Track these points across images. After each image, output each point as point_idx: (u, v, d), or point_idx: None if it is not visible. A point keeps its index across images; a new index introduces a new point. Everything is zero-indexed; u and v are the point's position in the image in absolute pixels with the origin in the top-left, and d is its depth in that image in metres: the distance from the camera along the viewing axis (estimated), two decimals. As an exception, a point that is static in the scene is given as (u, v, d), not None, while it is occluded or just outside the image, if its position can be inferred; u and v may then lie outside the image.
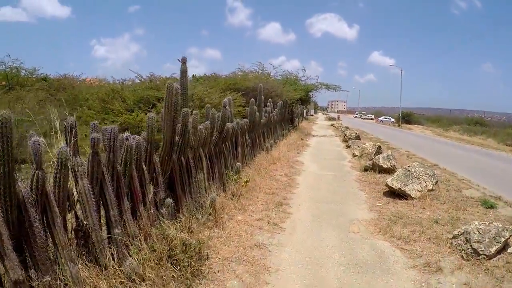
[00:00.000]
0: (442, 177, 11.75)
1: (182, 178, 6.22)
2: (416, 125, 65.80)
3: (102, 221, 4.16)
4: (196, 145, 6.76)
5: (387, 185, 9.36)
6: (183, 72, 7.32)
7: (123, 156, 4.48)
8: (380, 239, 6.33)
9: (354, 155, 15.76)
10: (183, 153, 6.14)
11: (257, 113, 12.46)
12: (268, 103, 15.27)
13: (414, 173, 9.48)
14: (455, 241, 5.94)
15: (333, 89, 27.13)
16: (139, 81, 14.35)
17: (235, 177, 8.15)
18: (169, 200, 5.40)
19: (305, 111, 49.32)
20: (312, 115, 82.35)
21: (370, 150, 15.18)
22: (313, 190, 9.79)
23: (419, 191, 9.10)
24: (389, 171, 12.05)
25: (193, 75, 21.91)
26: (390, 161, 12.29)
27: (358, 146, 18.44)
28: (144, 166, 5.00)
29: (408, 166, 9.84)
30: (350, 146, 18.99)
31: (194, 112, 6.66)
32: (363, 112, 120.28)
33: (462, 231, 6.01)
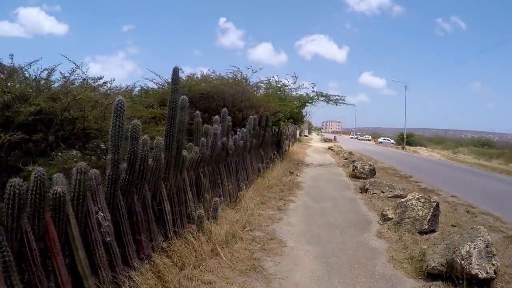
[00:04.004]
0: None
1: None
2: (419, 147, 58.65)
3: None
4: None
5: None
6: None
7: None
8: None
9: (384, 217, 7.98)
10: None
11: (160, 141, 4.75)
12: (216, 119, 7.32)
13: None
14: None
15: (334, 102, 19.00)
16: None
17: None
18: None
19: (298, 131, 41.57)
20: (306, 136, 74.96)
21: (421, 213, 7.46)
22: None
23: None
24: (488, 284, 4.59)
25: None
26: (493, 261, 4.75)
27: (383, 192, 10.73)
28: None
29: None
30: (368, 189, 11.17)
31: None
32: (358, 133, 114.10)
33: None
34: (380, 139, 73.26)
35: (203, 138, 6.29)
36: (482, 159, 40.46)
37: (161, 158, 4.85)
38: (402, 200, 8.08)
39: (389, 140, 71.35)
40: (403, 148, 51.99)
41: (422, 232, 7.26)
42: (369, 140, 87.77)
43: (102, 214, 3.92)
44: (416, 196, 8.04)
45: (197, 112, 6.75)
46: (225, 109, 7.79)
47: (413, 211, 7.56)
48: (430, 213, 7.43)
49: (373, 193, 10.85)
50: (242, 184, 9.08)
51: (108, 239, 3.92)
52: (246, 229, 6.69)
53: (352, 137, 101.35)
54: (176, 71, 5.19)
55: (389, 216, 7.86)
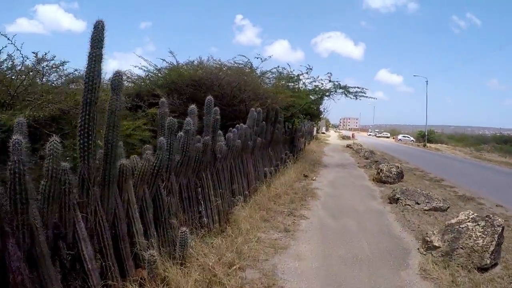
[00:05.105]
0: None
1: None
2: (439, 144, 55.65)
3: None
4: None
5: None
6: None
7: None
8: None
9: (427, 244, 5.68)
10: None
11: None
12: (191, 109, 5.01)
13: None
14: None
15: (353, 95, 16.55)
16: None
17: None
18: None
19: (315, 128, 39.13)
20: (324, 133, 72.38)
21: (480, 241, 5.17)
22: None
23: None
24: None
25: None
26: None
27: (418, 204, 8.53)
28: None
29: None
30: (398, 200, 8.88)
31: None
32: (376, 130, 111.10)
33: None
34: (400, 137, 70.20)
35: (161, 138, 4.10)
36: (508, 157, 37.74)
37: (62, 174, 2.72)
38: (453, 221, 5.77)
39: (408, 137, 68.30)
40: (424, 145, 49.11)
41: (481, 268, 5.02)
42: (387, 137, 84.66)
43: None
44: (471, 216, 5.74)
45: (162, 100, 4.61)
46: (210, 97, 5.54)
47: (469, 238, 5.28)
48: (494, 242, 5.15)
49: (405, 205, 8.55)
50: (239, 197, 6.90)
51: None
52: (233, 267, 4.53)
53: (370, 134, 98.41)
54: (99, 27, 3.02)
55: (434, 244, 5.58)
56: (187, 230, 4.22)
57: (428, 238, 5.75)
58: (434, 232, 5.85)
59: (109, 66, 11.01)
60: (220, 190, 6.01)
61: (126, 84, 11.08)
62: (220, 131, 6.49)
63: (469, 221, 5.57)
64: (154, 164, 4.07)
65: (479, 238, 5.23)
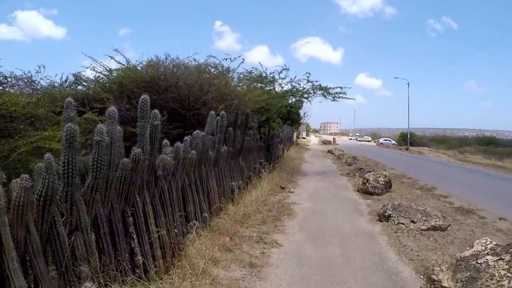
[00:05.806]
0: None
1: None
2: (422, 147, 55.08)
3: None
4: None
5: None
6: None
7: None
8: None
9: (435, 285, 4.39)
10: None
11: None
12: (109, 112, 3.58)
13: None
14: None
15: (332, 97, 15.32)
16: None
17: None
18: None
19: (295, 134, 37.90)
20: (304, 138, 71.39)
21: (506, 282, 3.89)
22: None
23: None
24: None
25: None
26: None
27: (413, 222, 7.34)
28: None
29: None
30: (390, 217, 7.61)
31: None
32: (357, 134, 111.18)
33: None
34: (381, 140, 69.73)
35: (47, 155, 2.73)
36: (493, 158, 37.32)
37: None
38: (467, 254, 4.49)
39: (390, 141, 67.81)
40: (407, 149, 48.32)
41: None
42: (368, 141, 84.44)
43: None
44: (489, 246, 4.48)
45: (68, 99, 3.25)
46: (145, 96, 4.14)
47: (491, 279, 4.02)
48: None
49: (398, 223, 7.29)
50: (194, 222, 5.52)
51: None
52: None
53: (351, 138, 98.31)
54: None
55: (443, 285, 4.31)
56: (93, 286, 2.85)
57: (435, 277, 4.47)
58: (443, 268, 4.57)
59: (88, 74, 9.65)
60: (164, 218, 4.62)
61: (80, 88, 9.89)
62: (166, 141, 5.15)
63: (488, 254, 4.31)
64: (40, 193, 2.71)
65: (504, 278, 3.96)
